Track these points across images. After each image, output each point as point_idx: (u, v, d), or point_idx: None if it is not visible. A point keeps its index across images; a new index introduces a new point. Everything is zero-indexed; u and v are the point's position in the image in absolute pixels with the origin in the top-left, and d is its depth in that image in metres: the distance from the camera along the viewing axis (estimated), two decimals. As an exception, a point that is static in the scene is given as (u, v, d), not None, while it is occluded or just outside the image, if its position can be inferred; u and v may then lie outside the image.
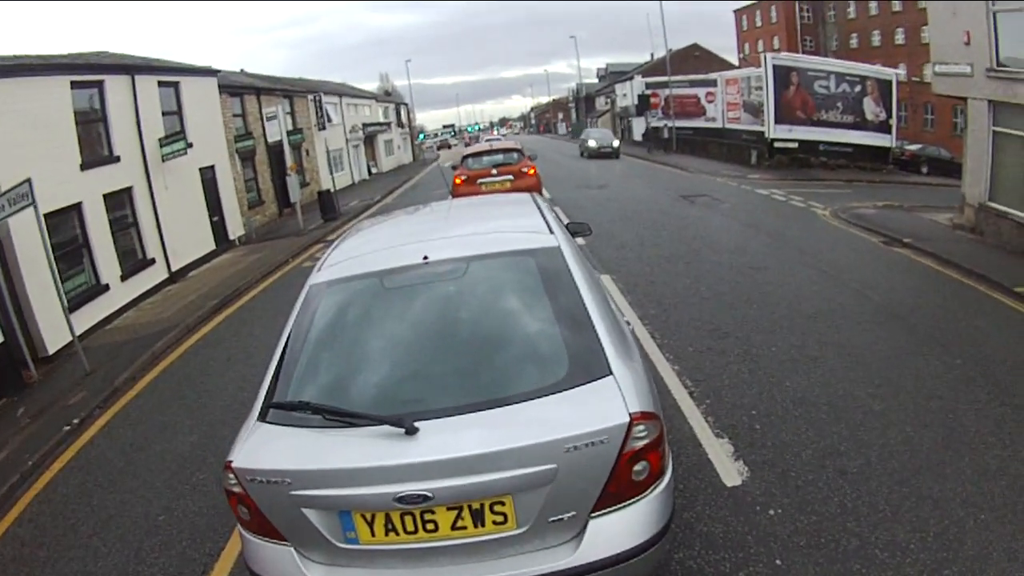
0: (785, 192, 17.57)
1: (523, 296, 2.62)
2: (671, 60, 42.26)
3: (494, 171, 13.47)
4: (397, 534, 2.15)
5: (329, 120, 29.82)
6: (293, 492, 2.14)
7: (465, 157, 14.75)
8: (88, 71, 11.91)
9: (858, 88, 25.32)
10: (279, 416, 2.36)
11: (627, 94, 44.44)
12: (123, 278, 11.71)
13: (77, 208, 10.83)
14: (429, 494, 2.03)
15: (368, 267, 2.86)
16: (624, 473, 2.11)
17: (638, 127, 41.47)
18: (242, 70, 29.46)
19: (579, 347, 2.34)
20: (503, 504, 2.10)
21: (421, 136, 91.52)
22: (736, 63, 50.22)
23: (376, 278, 2.77)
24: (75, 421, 6.53)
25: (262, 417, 2.42)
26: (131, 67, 13.16)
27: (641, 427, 2.11)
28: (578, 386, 2.21)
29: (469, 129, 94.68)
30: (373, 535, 2.16)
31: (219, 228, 16.10)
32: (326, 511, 2.16)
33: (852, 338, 6.32)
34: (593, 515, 2.15)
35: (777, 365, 5.74)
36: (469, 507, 2.10)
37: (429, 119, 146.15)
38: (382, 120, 42.07)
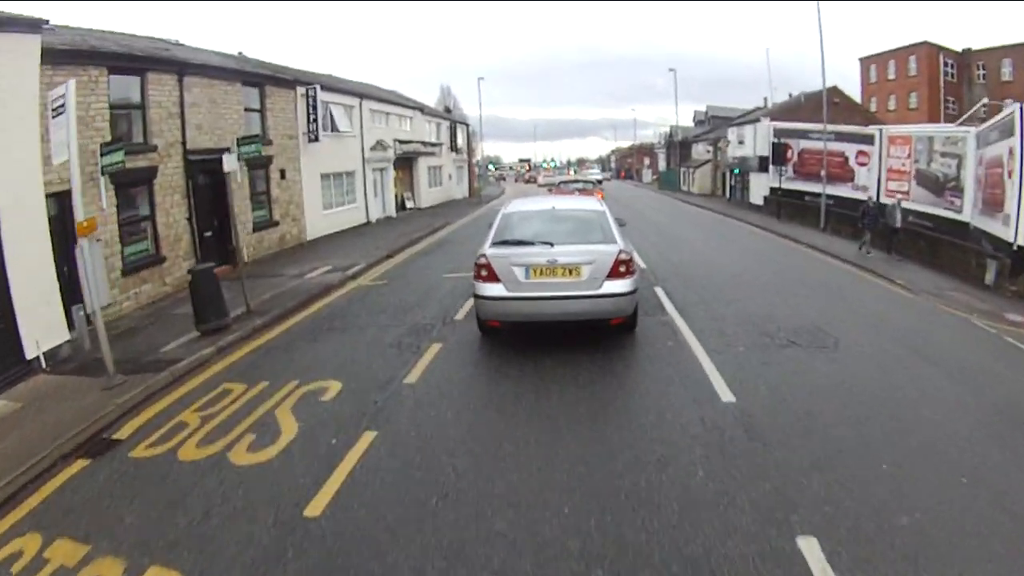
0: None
1: (591, 221, 8.24)
2: (802, 105, 32.90)
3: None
4: (543, 276, 7.30)
5: (333, 128, 21.97)
6: (510, 262, 7.34)
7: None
8: None
9: None
10: (499, 245, 7.67)
11: (745, 141, 35.00)
12: None
13: None
14: (557, 261, 7.30)
15: (529, 207, 9.08)
16: (616, 267, 7.34)
17: (758, 185, 31.92)
18: (240, 53, 22.34)
19: (607, 235, 7.83)
20: (580, 270, 7.29)
21: (491, 166, 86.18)
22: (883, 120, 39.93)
23: (534, 210, 8.90)
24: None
25: (493, 246, 7.67)
26: None
27: (623, 254, 7.47)
28: (607, 243, 7.62)
29: (542, 165, 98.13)
30: (537, 275, 7.31)
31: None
32: (520, 267, 7.32)
33: None
34: (606, 280, 7.33)
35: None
36: (569, 269, 7.29)
37: (499, 151, 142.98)
38: (429, 140, 34.27)
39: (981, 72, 36.36)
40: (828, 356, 7.71)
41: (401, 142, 29.09)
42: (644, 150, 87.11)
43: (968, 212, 16.87)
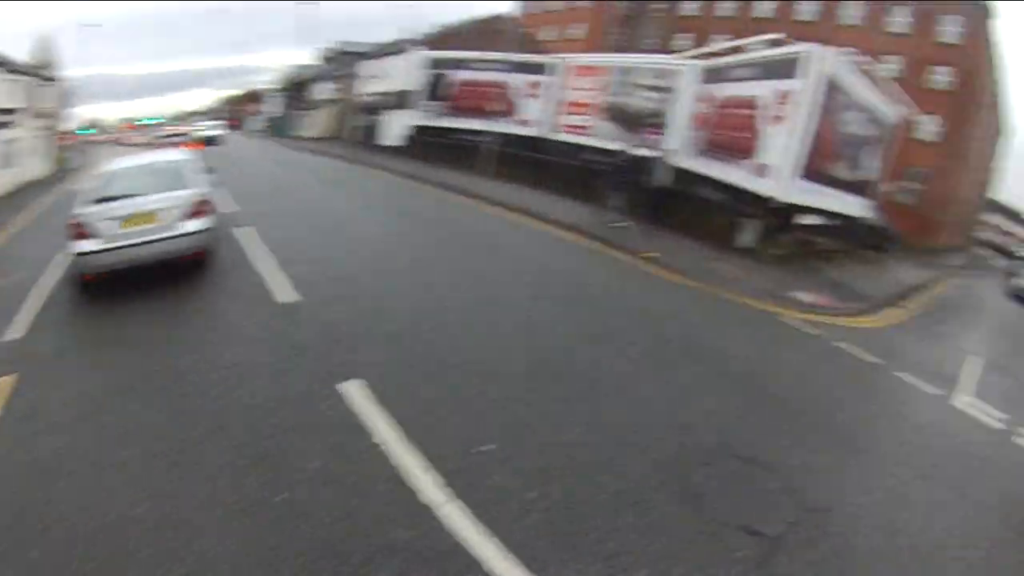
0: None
1: (175, 172, 8.49)
2: (463, 34, 27.73)
3: None
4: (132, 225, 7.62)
5: None
6: (101, 217, 7.66)
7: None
8: None
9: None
10: (90, 203, 7.77)
11: (389, 75, 28.13)
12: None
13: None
14: (141, 210, 7.67)
15: (119, 166, 8.99)
16: (198, 208, 7.91)
17: (397, 125, 25.50)
18: None
19: (190, 177, 8.36)
20: (155, 216, 7.67)
21: (92, 131, 65.69)
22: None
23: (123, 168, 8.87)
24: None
25: (84, 205, 7.78)
26: None
27: (202, 198, 7.99)
28: (187, 188, 8.05)
29: (148, 122, 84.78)
30: (128, 225, 7.64)
31: None
32: (112, 220, 7.64)
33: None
34: (184, 222, 7.76)
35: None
36: (148, 216, 7.63)
37: (103, 112, 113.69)
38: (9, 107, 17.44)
39: (661, 5, 35.43)
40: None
41: None
42: (257, 96, 75.53)
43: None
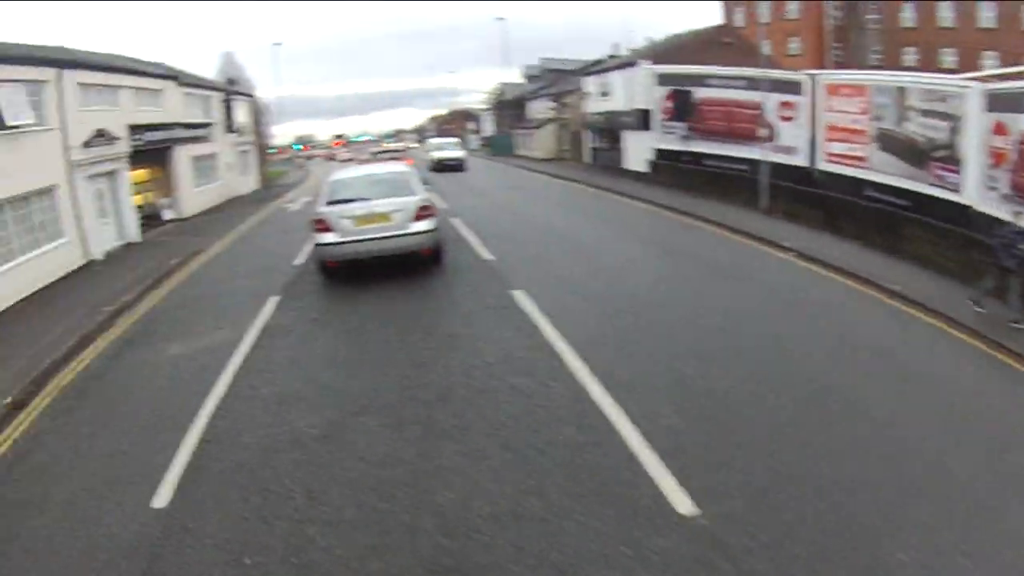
0: None
1: (402, 182, 10.62)
2: (685, 45, 27.65)
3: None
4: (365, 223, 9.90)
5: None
6: (339, 215, 10.02)
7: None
8: None
9: None
10: (330, 204, 9.99)
11: (613, 92, 28.87)
12: None
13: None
14: (374, 211, 10.06)
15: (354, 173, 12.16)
16: (422, 211, 9.95)
17: (638, 148, 26.08)
18: None
19: (414, 187, 10.42)
20: (390, 217, 9.84)
21: (298, 147, 75.49)
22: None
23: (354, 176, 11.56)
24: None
25: (326, 205, 10.09)
26: None
27: (426, 203, 10.10)
28: (414, 195, 10.11)
29: (357, 139, 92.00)
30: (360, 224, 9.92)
31: None
32: (347, 219, 9.81)
33: None
34: (413, 223, 9.85)
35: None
36: (383, 216, 9.81)
37: (311, 129, 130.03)
38: (191, 121, 23.63)
39: (876, 17, 33.30)
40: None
41: (141, 128, 18.63)
42: (467, 115, 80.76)
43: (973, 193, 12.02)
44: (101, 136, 15.98)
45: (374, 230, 9.62)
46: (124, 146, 17.37)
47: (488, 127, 64.19)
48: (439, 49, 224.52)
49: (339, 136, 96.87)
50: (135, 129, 18.14)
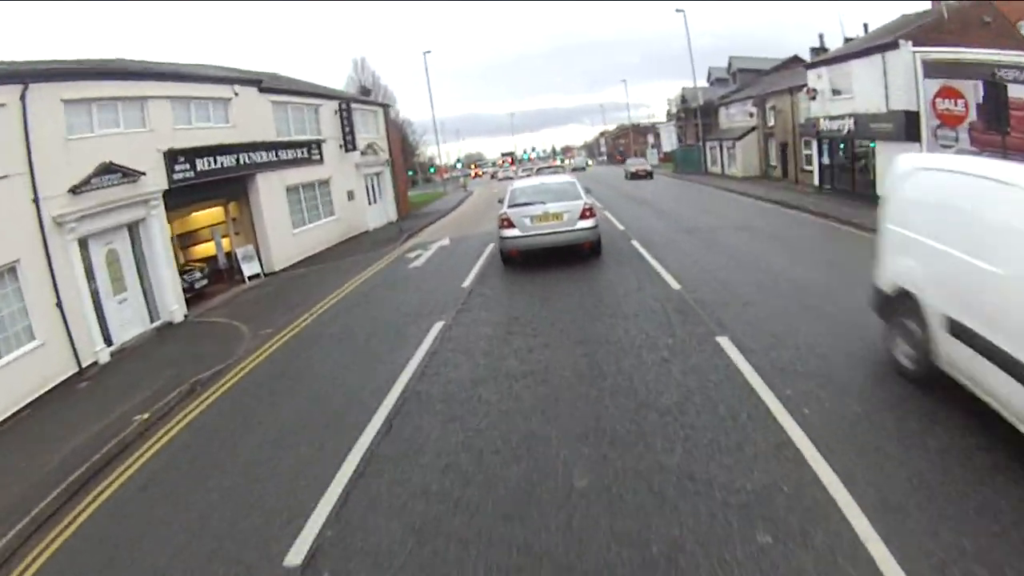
0: None
1: (570, 189, 12.88)
2: (944, 24, 17.72)
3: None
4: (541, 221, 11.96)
5: None
6: (520, 214, 12.13)
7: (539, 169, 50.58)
8: None
9: None
10: (512, 207, 12.45)
11: (851, 89, 19.96)
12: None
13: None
14: (548, 211, 12.00)
15: (529, 183, 14.76)
16: (586, 212, 11.87)
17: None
18: None
19: (579, 194, 12.53)
20: (561, 216, 11.85)
21: (431, 169, 70.45)
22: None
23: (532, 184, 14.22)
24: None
25: (509, 207, 12.39)
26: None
27: (588, 206, 12.05)
28: (581, 199, 12.21)
29: (524, 156, 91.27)
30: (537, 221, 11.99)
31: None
32: (526, 217, 11.95)
33: None
34: (579, 221, 11.80)
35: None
36: (556, 216, 11.85)
37: (479, 147, 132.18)
38: (281, 140, 18.87)
39: None
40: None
41: (187, 153, 14.15)
42: (640, 129, 74.56)
43: None
44: (109, 173, 11.54)
45: (548, 227, 11.74)
46: (156, 182, 12.90)
47: (668, 140, 56.20)
48: (606, 62, 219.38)
49: (507, 154, 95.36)
50: (176, 156, 13.67)
